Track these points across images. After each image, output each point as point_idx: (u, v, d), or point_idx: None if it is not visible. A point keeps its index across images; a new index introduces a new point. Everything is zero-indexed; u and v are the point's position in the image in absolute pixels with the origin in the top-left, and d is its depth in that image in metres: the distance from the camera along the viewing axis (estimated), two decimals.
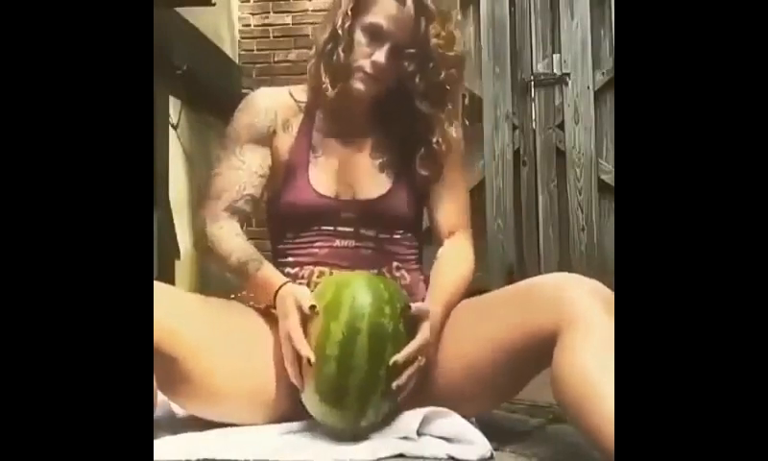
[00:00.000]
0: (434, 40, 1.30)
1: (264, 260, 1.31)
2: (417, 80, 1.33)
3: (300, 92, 1.44)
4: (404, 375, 1.17)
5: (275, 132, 1.40)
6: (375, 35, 1.31)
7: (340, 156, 1.40)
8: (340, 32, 1.31)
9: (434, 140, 1.37)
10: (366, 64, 1.31)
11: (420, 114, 1.36)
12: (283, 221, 1.42)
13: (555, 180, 3.46)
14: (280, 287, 1.26)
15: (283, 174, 1.39)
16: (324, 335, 1.17)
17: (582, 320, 1.08)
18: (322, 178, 1.38)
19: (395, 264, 1.38)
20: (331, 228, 1.36)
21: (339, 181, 1.38)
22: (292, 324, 1.19)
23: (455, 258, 1.40)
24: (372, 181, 1.39)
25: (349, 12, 1.32)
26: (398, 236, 1.41)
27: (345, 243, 1.36)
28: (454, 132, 1.39)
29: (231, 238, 1.33)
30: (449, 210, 1.44)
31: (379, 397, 1.18)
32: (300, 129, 1.41)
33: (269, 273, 1.30)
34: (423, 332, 1.20)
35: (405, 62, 1.33)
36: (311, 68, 1.39)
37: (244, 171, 1.37)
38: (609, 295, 1.11)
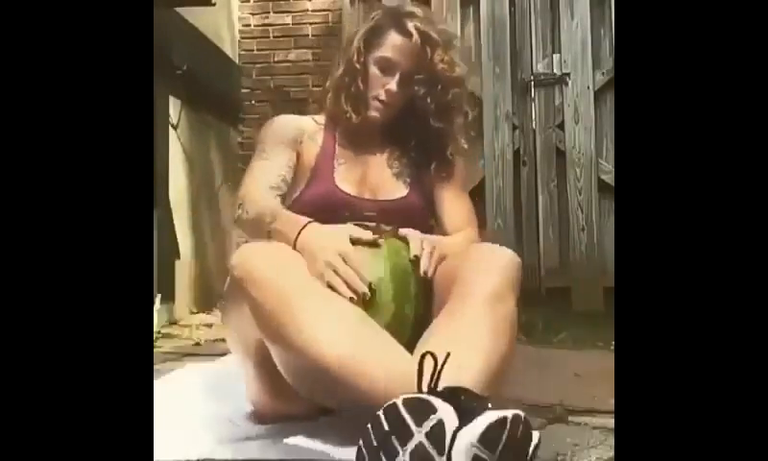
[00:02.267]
0: (440, 65, 1.48)
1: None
2: (428, 101, 1.51)
3: (320, 118, 1.61)
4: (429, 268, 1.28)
5: (301, 142, 1.54)
6: (386, 66, 1.49)
7: (361, 165, 1.55)
8: (357, 66, 1.50)
9: (448, 152, 1.55)
10: (380, 93, 1.49)
11: (434, 131, 1.54)
12: (306, 214, 1.46)
13: (555, 180, 3.46)
14: (307, 223, 1.30)
15: (309, 176, 1.51)
16: None
17: (460, 284, 1.20)
18: (345, 180, 1.51)
19: None
20: (353, 222, 1.43)
21: (361, 185, 1.51)
22: (346, 248, 1.23)
23: (458, 237, 1.54)
24: (392, 186, 1.53)
25: (362, 48, 1.51)
26: None
27: None
28: (465, 144, 1.57)
29: (267, 201, 1.42)
30: (458, 214, 1.60)
31: (408, 341, 1.18)
32: (324, 140, 1.56)
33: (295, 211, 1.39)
34: (427, 242, 1.33)
35: (416, 87, 1.50)
36: (329, 100, 1.56)
37: (272, 163, 1.49)
38: (505, 272, 1.22)
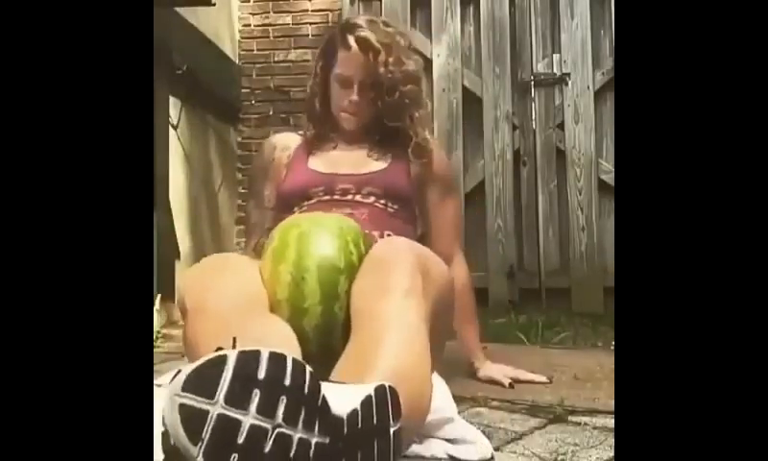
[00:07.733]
0: (382, 69, 1.53)
1: None
2: (379, 104, 1.57)
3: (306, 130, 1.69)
4: None
5: (273, 160, 1.63)
6: (344, 82, 1.57)
7: (338, 154, 1.61)
8: (317, 88, 1.62)
9: (412, 144, 1.59)
10: (345, 105, 1.58)
11: (395, 130, 1.60)
12: (286, 203, 1.54)
13: (555, 180, 3.45)
14: None
15: (284, 176, 1.59)
16: (273, 280, 1.14)
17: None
18: (320, 163, 1.58)
19: (386, 233, 1.44)
20: (328, 197, 1.49)
21: (338, 166, 1.56)
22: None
23: (467, 283, 1.70)
24: (371, 164, 1.58)
25: (319, 70, 1.62)
26: (393, 210, 1.52)
27: (341, 210, 1.42)
28: (428, 135, 1.63)
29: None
30: (451, 234, 1.70)
31: (339, 339, 1.09)
32: (298, 147, 1.64)
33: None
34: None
35: (368, 92, 1.57)
36: (304, 123, 1.68)
37: (257, 209, 1.62)
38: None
